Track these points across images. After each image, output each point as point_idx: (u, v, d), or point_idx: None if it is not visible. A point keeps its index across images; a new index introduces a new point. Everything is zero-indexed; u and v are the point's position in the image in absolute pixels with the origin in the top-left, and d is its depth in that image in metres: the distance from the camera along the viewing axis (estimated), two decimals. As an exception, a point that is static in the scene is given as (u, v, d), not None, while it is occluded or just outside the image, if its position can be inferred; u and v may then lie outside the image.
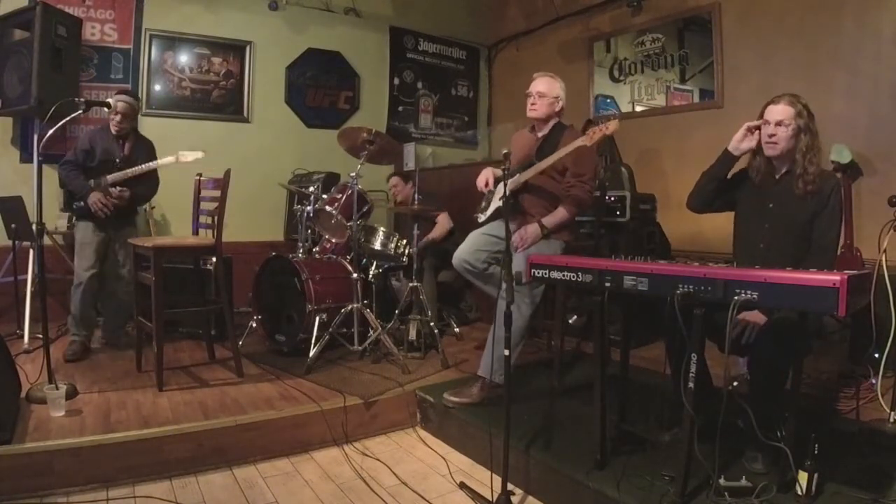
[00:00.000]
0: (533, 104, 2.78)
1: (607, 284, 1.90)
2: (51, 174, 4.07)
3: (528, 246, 2.64)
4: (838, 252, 3.21)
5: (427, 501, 2.17)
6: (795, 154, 2.07)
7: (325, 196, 3.65)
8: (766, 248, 2.12)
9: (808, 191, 2.05)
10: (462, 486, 2.24)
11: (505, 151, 2.18)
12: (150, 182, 3.39)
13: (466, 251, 2.77)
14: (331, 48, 5.40)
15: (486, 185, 2.84)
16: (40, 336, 2.74)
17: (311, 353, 3.11)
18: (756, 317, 1.99)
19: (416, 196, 3.71)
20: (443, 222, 4.12)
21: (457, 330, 4.06)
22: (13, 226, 3.52)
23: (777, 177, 2.16)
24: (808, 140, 2.05)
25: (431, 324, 3.44)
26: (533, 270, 2.14)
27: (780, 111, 2.07)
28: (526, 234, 2.67)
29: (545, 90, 2.76)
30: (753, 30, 4.06)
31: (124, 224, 3.38)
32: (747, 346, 2.02)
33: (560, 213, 2.70)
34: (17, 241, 3.57)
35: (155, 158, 3.33)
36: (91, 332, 3.40)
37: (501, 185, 2.35)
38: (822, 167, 2.09)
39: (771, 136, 2.08)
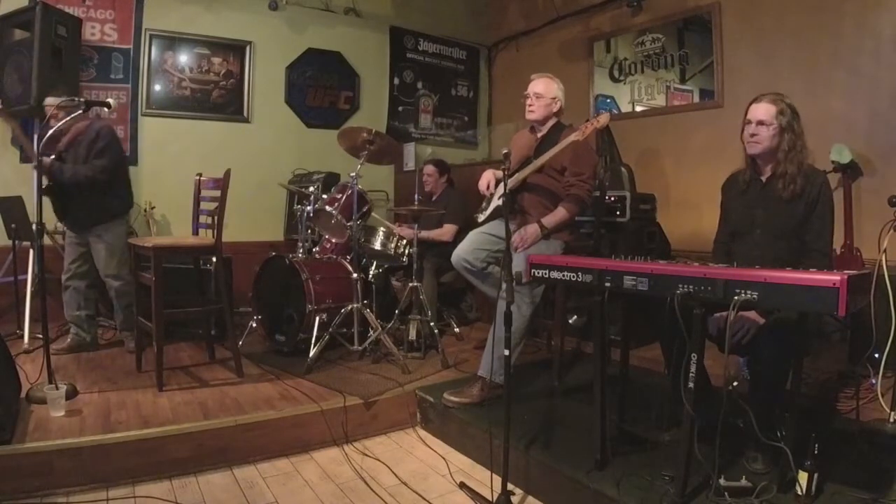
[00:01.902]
0: (530, 105, 2.79)
1: (607, 284, 1.90)
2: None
3: (528, 246, 2.64)
4: (838, 252, 3.23)
5: (427, 501, 2.17)
6: (777, 154, 2.07)
7: (325, 196, 3.65)
8: (761, 255, 2.11)
9: (793, 192, 2.04)
10: (462, 486, 2.24)
11: (505, 151, 2.19)
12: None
13: (466, 250, 2.78)
14: (331, 48, 5.40)
15: (488, 188, 2.84)
16: (40, 336, 2.74)
17: (311, 353, 3.11)
18: (753, 316, 1.99)
19: (416, 196, 3.71)
20: (446, 230, 4.06)
21: (457, 330, 4.05)
22: (13, 226, 3.52)
23: (763, 180, 2.16)
24: (791, 139, 2.05)
25: (431, 324, 3.44)
26: (533, 270, 2.14)
27: (761, 110, 2.08)
28: (526, 234, 2.67)
29: (542, 91, 2.76)
30: (753, 30, 4.06)
31: (90, 226, 3.23)
32: (747, 345, 2.02)
33: (560, 213, 2.70)
34: (17, 241, 3.58)
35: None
36: (88, 331, 3.39)
37: (502, 185, 2.36)
38: (806, 164, 2.08)
39: (752, 135, 2.09)
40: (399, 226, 4.10)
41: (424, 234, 3.96)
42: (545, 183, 2.76)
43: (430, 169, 4.36)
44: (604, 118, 2.64)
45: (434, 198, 4.34)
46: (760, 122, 2.07)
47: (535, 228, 2.67)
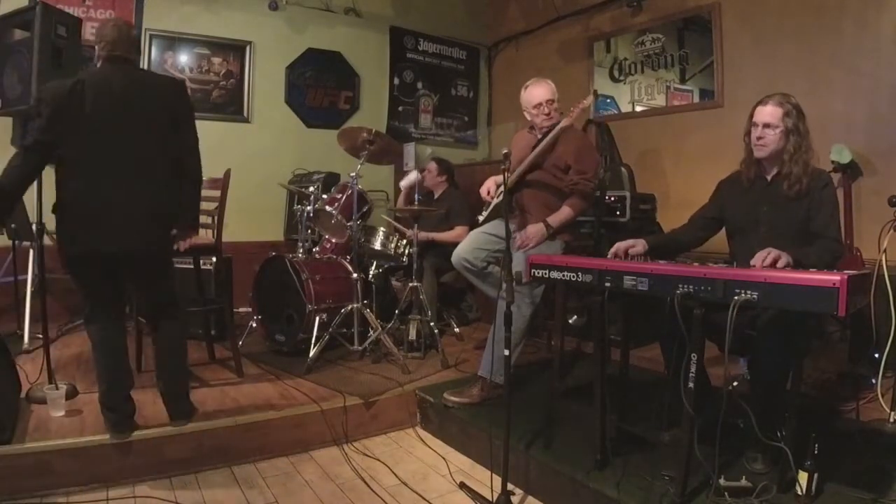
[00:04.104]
0: (548, 114, 2.76)
1: (607, 284, 1.90)
2: (50, 174, 4.07)
3: (533, 246, 2.64)
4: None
5: (427, 501, 2.17)
6: (783, 155, 2.08)
7: (325, 196, 3.65)
8: None
9: (798, 191, 2.05)
10: (462, 486, 2.24)
11: (505, 151, 2.19)
12: None
13: (466, 249, 2.78)
14: (331, 48, 5.40)
15: (489, 193, 2.84)
16: (40, 336, 2.74)
17: (311, 353, 3.11)
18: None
19: (416, 196, 3.71)
20: (458, 233, 3.97)
21: (457, 330, 4.05)
22: (13, 226, 3.52)
23: (769, 178, 2.16)
24: (797, 140, 2.05)
25: (431, 324, 3.44)
26: (533, 270, 2.14)
27: (768, 113, 2.07)
28: (527, 234, 2.66)
29: (553, 96, 2.77)
30: (753, 30, 4.06)
31: None
32: (747, 345, 2.02)
33: (565, 212, 2.69)
34: (17, 241, 3.57)
35: None
36: None
37: (502, 188, 2.36)
38: (811, 165, 2.09)
39: (759, 138, 2.08)
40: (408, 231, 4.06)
41: (436, 236, 3.97)
42: (547, 180, 2.77)
43: (431, 165, 4.37)
44: (588, 100, 2.73)
45: (435, 196, 4.34)
46: (767, 125, 2.07)
47: (538, 228, 2.66)
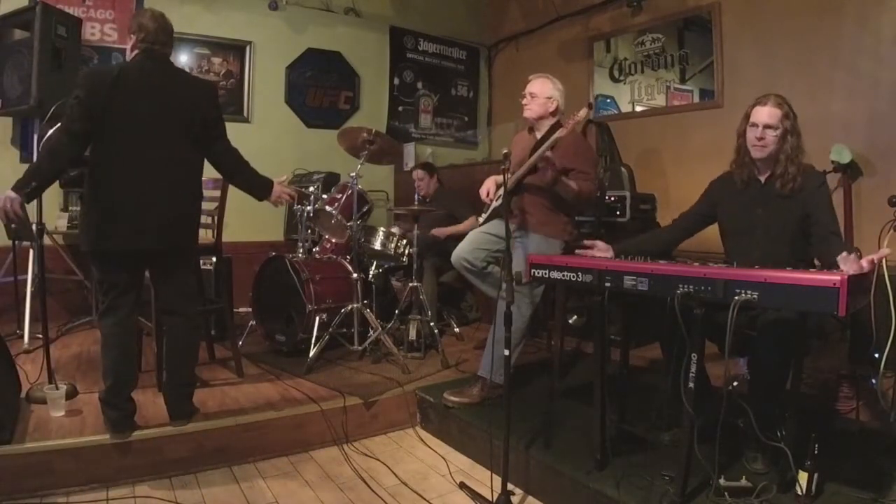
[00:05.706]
0: (526, 104, 2.81)
1: (607, 284, 1.90)
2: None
3: (551, 170, 2.54)
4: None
5: (427, 501, 2.17)
6: (780, 155, 2.08)
7: (325, 196, 3.65)
8: (763, 255, 2.09)
9: (792, 189, 2.06)
10: (462, 486, 2.24)
11: (505, 151, 2.19)
12: None
13: (466, 249, 2.78)
14: (331, 48, 5.40)
15: (488, 195, 2.83)
16: (40, 336, 2.74)
17: (311, 353, 3.11)
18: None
19: (416, 195, 3.71)
20: (471, 222, 3.89)
21: (457, 330, 4.05)
22: (13, 226, 3.51)
23: (762, 180, 2.16)
24: (794, 142, 2.07)
25: (431, 324, 3.44)
26: (533, 270, 2.14)
27: (768, 113, 2.07)
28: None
29: (537, 91, 2.78)
30: (753, 30, 4.06)
31: None
32: (747, 345, 2.02)
33: (572, 185, 2.62)
34: (17, 241, 3.57)
35: None
36: None
37: (502, 190, 2.36)
38: (804, 164, 2.10)
39: (759, 138, 2.08)
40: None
41: (450, 229, 3.98)
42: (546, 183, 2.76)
43: (419, 173, 4.37)
44: (583, 112, 2.69)
45: (428, 200, 4.34)
46: (768, 126, 2.07)
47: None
